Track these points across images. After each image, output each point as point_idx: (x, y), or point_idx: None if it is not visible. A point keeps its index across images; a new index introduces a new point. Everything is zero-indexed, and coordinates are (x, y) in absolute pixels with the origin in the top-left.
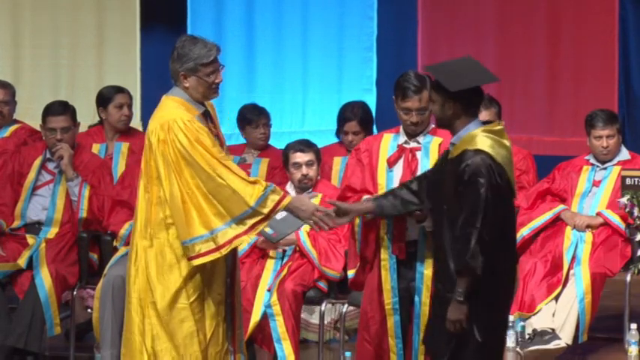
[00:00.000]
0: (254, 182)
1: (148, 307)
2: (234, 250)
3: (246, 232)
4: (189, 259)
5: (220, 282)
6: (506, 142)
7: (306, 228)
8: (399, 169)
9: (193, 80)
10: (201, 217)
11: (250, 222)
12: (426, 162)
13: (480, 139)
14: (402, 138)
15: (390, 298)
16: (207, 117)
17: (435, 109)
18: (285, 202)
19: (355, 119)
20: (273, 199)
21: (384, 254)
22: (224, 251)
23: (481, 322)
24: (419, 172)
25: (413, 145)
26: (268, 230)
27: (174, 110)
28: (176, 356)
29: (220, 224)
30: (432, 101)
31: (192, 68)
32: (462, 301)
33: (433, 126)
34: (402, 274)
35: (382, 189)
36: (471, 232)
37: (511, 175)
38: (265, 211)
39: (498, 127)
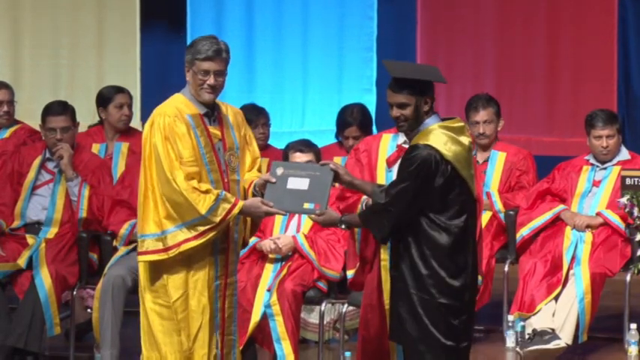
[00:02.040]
0: (206, 192)
1: (142, 304)
2: (228, 254)
3: (195, 238)
4: (138, 254)
5: (206, 284)
6: (464, 140)
7: (304, 230)
8: (398, 168)
9: (190, 74)
10: (156, 215)
11: (201, 228)
12: None
13: (435, 134)
14: (402, 138)
15: (389, 298)
16: (211, 118)
17: (410, 110)
18: (236, 209)
19: (355, 124)
20: (224, 207)
21: (384, 254)
22: (171, 253)
23: (443, 324)
24: None
25: None
26: (308, 206)
27: (167, 105)
28: (157, 355)
29: (171, 226)
30: (405, 105)
31: (189, 61)
32: (342, 225)
33: None
34: None
35: None
36: (391, 213)
37: (466, 172)
38: (217, 219)
39: (458, 124)
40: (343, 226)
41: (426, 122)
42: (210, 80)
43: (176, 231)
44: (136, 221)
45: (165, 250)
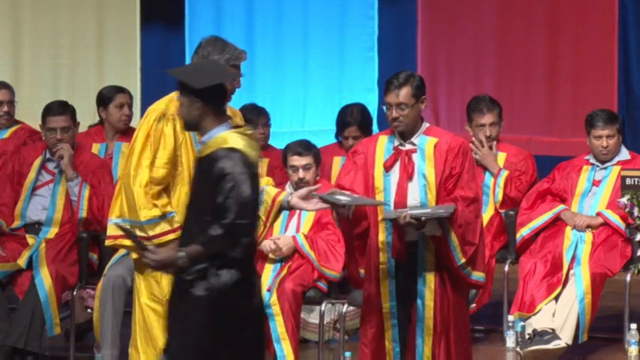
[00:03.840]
0: (156, 205)
1: (137, 300)
2: None
3: (125, 237)
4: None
5: None
6: (256, 146)
7: (303, 230)
8: (395, 171)
9: None
10: (115, 201)
11: (136, 232)
12: (422, 164)
13: (233, 138)
14: (398, 140)
15: (387, 302)
16: None
17: (182, 111)
18: (171, 235)
19: (355, 124)
20: (163, 227)
21: (383, 258)
22: (107, 243)
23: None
24: (415, 174)
25: (408, 147)
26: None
27: (163, 102)
28: (153, 351)
29: (114, 217)
30: (180, 104)
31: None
32: (184, 264)
33: (428, 125)
34: (403, 278)
35: (379, 192)
36: (243, 226)
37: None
38: (150, 233)
39: (249, 132)
40: (180, 262)
41: (218, 129)
42: (240, 83)
43: (119, 222)
44: None
45: (108, 237)
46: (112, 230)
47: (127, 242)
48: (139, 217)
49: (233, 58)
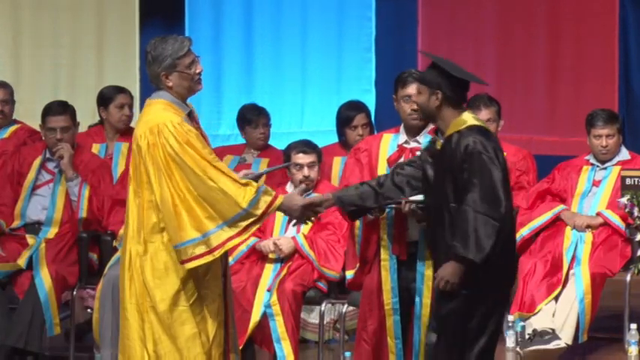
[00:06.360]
0: (245, 184)
1: (147, 312)
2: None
3: (238, 234)
4: (182, 262)
5: (218, 282)
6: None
7: (304, 231)
8: None
9: (176, 77)
10: (193, 220)
11: (243, 224)
12: None
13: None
14: (403, 138)
15: (389, 299)
16: (192, 117)
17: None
18: (277, 202)
19: (362, 111)
20: (266, 200)
21: (385, 254)
22: (217, 254)
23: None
24: None
25: (413, 145)
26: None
27: (162, 113)
28: (179, 359)
29: (212, 227)
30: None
31: (170, 65)
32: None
33: (433, 125)
34: (403, 275)
35: None
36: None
37: None
38: (258, 212)
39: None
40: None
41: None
42: (200, 67)
43: (218, 231)
44: None
45: (210, 251)
46: (193, 250)
47: (204, 260)
48: (240, 206)
49: (175, 51)
